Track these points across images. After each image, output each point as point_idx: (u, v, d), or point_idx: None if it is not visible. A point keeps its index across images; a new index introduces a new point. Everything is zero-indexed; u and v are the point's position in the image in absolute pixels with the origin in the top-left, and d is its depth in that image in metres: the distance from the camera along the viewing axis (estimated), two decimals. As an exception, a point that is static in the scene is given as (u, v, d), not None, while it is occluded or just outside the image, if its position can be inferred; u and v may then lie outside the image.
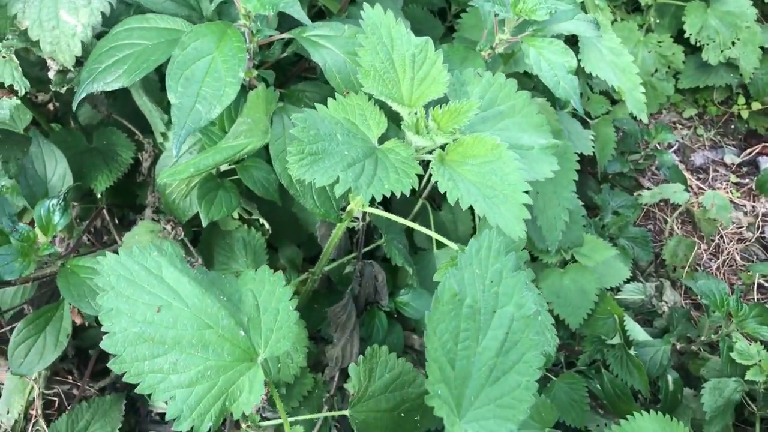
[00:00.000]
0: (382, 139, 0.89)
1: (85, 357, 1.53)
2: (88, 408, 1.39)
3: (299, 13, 0.87)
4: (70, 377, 1.49)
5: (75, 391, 1.47)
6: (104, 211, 1.41)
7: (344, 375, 1.28)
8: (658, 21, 2.27)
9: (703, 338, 1.57)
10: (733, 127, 2.45)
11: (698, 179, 2.28)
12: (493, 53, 1.20)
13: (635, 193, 2.07)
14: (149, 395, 0.80)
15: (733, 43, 2.15)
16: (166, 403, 0.80)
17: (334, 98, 0.90)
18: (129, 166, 1.30)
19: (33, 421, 1.30)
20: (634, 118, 2.14)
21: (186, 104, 0.83)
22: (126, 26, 0.94)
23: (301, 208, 1.50)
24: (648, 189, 2.11)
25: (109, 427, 1.39)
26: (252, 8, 0.86)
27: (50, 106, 1.40)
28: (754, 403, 1.48)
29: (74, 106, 0.93)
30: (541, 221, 1.43)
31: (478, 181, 0.86)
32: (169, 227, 1.23)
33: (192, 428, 0.81)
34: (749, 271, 1.94)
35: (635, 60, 2.21)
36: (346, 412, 1.08)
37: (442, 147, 0.89)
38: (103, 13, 0.96)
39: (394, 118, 0.93)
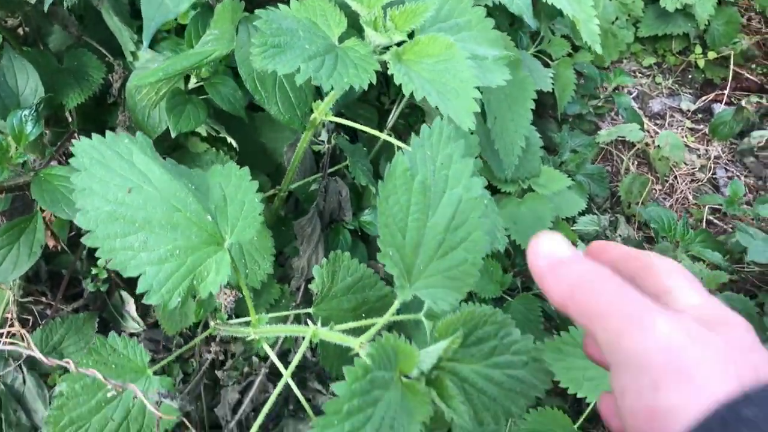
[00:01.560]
0: (341, 39, 0.94)
1: (58, 281, 1.57)
2: (62, 324, 1.44)
3: None
4: (44, 298, 1.53)
5: (48, 311, 1.51)
6: (75, 134, 1.44)
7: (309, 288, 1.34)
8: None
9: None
10: (690, 76, 2.54)
11: (656, 125, 2.37)
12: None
13: (593, 135, 2.15)
14: (121, 271, 0.85)
15: (690, -9, 2.23)
16: (137, 278, 0.86)
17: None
18: (100, 86, 1.34)
19: (9, 323, 1.34)
20: (598, 67, 2.22)
21: (151, 13, 0.87)
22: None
23: (270, 138, 1.55)
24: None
25: (82, 342, 1.44)
26: None
27: (20, 30, 1.43)
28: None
29: (45, 7, 0.97)
30: (499, 145, 1.49)
31: (432, 78, 0.92)
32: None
33: (162, 302, 0.86)
34: (699, 206, 2.03)
35: (596, 8, 2.28)
36: (310, 310, 1.14)
37: (399, 46, 0.94)
38: None
39: (353, 23, 0.98)
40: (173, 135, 1.18)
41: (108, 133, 0.87)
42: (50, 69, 1.33)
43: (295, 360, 0.90)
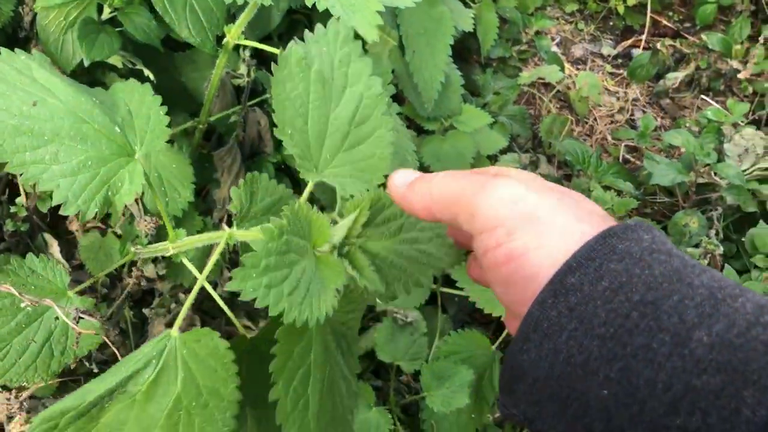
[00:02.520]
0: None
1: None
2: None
3: None
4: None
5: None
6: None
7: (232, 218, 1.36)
8: None
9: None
10: (611, 23, 2.62)
11: (577, 69, 2.44)
12: None
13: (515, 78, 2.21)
14: (33, 185, 0.86)
15: (608, -63, 2.29)
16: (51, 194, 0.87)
17: None
18: (10, 19, 1.31)
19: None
20: (522, 13, 2.26)
21: None
22: None
23: (191, 78, 1.55)
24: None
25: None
26: None
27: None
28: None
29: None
30: (417, 79, 1.53)
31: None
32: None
33: (79, 213, 0.87)
34: (617, 145, 2.12)
35: (520, -46, 2.33)
36: (228, 231, 1.16)
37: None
38: None
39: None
40: (86, 63, 1.18)
41: (3, 49, 0.87)
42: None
43: (211, 262, 0.92)
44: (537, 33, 2.22)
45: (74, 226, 1.54)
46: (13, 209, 1.41)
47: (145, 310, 1.50)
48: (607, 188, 1.66)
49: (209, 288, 0.94)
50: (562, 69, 2.20)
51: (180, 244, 1.00)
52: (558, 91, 2.22)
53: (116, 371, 0.82)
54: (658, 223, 1.79)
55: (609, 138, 2.23)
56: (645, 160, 1.60)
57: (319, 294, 0.71)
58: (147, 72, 1.35)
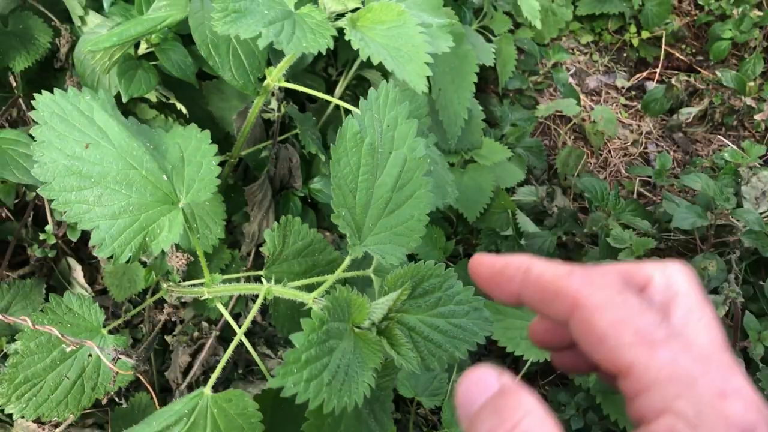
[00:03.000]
0: (297, 6, 0.97)
1: (2, 248, 1.56)
2: (8, 290, 1.43)
3: None
4: (-12, 265, 1.51)
5: (-7, 278, 1.50)
6: (20, 100, 1.43)
7: (260, 253, 1.37)
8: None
9: (586, 231, 1.75)
10: (625, 55, 2.64)
11: (592, 101, 2.46)
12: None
13: (532, 110, 2.23)
14: (75, 224, 0.87)
15: (626, -27, 2.32)
16: (87, 239, 0.88)
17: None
18: (46, 51, 1.33)
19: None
20: (538, 44, 2.29)
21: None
22: None
23: (218, 107, 1.56)
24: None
25: (30, 308, 1.44)
26: None
27: (-40, -9, 1.40)
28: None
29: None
30: (443, 116, 1.54)
31: (386, 43, 0.96)
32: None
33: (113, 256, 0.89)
34: (631, 178, 2.14)
35: (537, -14, 2.35)
36: (261, 273, 1.17)
37: (353, 12, 0.98)
38: None
39: (307, -9, 1.01)
40: (124, 100, 1.19)
41: (70, 88, 0.89)
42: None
43: (249, 317, 0.93)
44: (554, 65, 2.24)
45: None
46: (42, 236, 1.42)
47: (168, 338, 1.51)
48: (624, 226, 1.67)
49: (248, 344, 0.96)
50: (578, 101, 2.22)
51: (216, 289, 1.01)
52: (574, 123, 2.24)
53: (148, 425, 0.83)
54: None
55: (623, 171, 2.25)
56: (664, 201, 1.62)
57: (358, 376, 0.73)
58: (179, 106, 1.36)
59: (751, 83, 2.29)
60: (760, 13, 2.40)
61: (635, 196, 2.12)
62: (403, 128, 0.89)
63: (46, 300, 1.50)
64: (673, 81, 2.34)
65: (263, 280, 1.00)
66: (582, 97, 2.43)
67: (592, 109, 2.40)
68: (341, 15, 0.98)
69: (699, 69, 2.59)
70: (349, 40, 0.93)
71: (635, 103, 2.48)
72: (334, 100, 1.12)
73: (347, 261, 0.85)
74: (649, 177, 2.05)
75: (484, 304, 0.98)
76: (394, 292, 0.77)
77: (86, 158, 0.86)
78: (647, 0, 2.52)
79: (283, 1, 0.96)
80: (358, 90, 1.82)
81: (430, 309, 0.82)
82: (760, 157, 1.78)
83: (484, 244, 1.76)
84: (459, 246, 1.79)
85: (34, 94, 0.87)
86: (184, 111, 1.38)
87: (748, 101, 2.26)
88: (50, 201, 0.86)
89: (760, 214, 1.59)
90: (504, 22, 2.10)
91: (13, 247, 1.50)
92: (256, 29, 0.87)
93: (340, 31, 0.97)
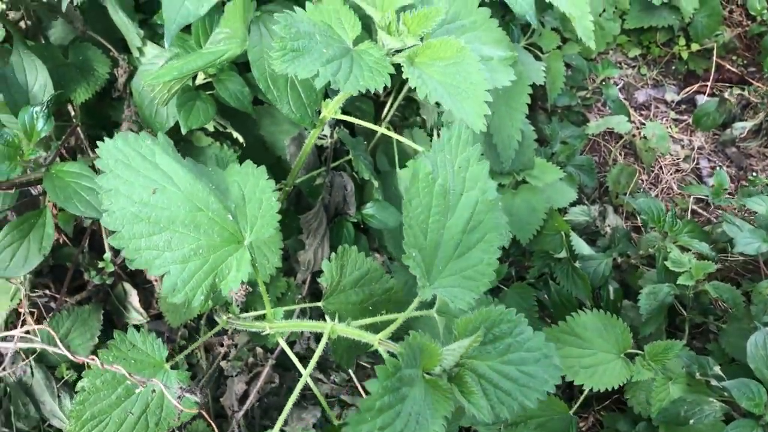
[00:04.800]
0: (356, 42, 0.97)
1: (60, 273, 1.59)
2: (68, 316, 1.46)
3: None
4: (48, 291, 1.54)
5: (53, 304, 1.52)
6: (78, 128, 1.45)
7: (315, 280, 1.37)
8: (606, -38, 2.37)
9: (641, 252, 1.71)
10: (674, 67, 2.59)
11: (641, 115, 2.42)
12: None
13: (582, 126, 2.20)
14: (147, 269, 0.88)
15: (675, -14, 2.27)
16: (161, 277, 0.89)
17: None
18: (105, 81, 1.35)
19: (21, 318, 1.36)
20: (585, 58, 2.26)
21: (176, 1, 0.89)
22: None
23: (269, 131, 1.57)
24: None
25: (88, 334, 1.46)
26: None
27: (22, 23, 1.43)
28: (685, 309, 1.63)
29: (63, 7, 0.98)
30: (497, 140, 1.53)
31: (444, 80, 0.95)
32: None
33: (185, 300, 0.89)
34: (684, 196, 2.10)
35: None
36: (320, 304, 1.17)
37: (411, 48, 0.97)
38: None
39: (366, 27, 1.01)
40: (184, 132, 1.20)
41: (131, 134, 0.90)
42: (56, 63, 1.33)
43: (315, 358, 0.93)
44: (603, 81, 2.21)
45: (154, 277, 1.56)
46: (101, 264, 1.44)
47: (223, 363, 1.52)
48: (682, 248, 1.64)
49: (311, 383, 0.96)
50: (629, 117, 2.19)
51: (279, 325, 1.01)
52: (624, 139, 2.21)
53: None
54: (732, 281, 1.76)
55: (675, 187, 2.21)
56: (724, 223, 1.58)
57: (429, 424, 0.72)
58: (236, 134, 1.37)
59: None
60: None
61: (689, 214, 2.07)
62: (475, 170, 0.88)
63: (104, 326, 1.52)
64: (725, 95, 2.29)
65: (325, 314, 1.00)
66: (631, 111, 2.39)
67: (643, 125, 2.36)
68: (399, 50, 0.98)
69: (752, 81, 2.53)
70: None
71: (686, 117, 2.43)
72: (382, 130, 1.12)
73: (415, 303, 0.85)
74: (706, 196, 2.00)
75: (543, 332, 0.97)
76: (465, 339, 0.76)
77: (154, 203, 0.87)
78: (697, 11, 2.46)
79: (342, 38, 0.96)
80: (406, 111, 1.81)
81: (500, 356, 0.81)
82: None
83: (537, 267, 1.74)
84: (511, 268, 1.77)
85: (98, 143, 0.88)
86: (241, 140, 1.39)
87: (806, 114, 2.21)
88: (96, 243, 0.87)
89: (826, 236, 1.55)
90: (552, 39, 2.08)
91: (71, 273, 1.52)
92: (314, 69, 0.87)
93: (398, 66, 0.97)
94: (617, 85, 2.48)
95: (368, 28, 1.01)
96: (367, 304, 1.21)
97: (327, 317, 1.02)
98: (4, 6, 1.09)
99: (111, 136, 1.41)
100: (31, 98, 1.22)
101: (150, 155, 0.90)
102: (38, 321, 1.52)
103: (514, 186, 1.75)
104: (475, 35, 1.14)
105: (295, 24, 0.91)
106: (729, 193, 2.21)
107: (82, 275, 1.57)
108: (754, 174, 2.16)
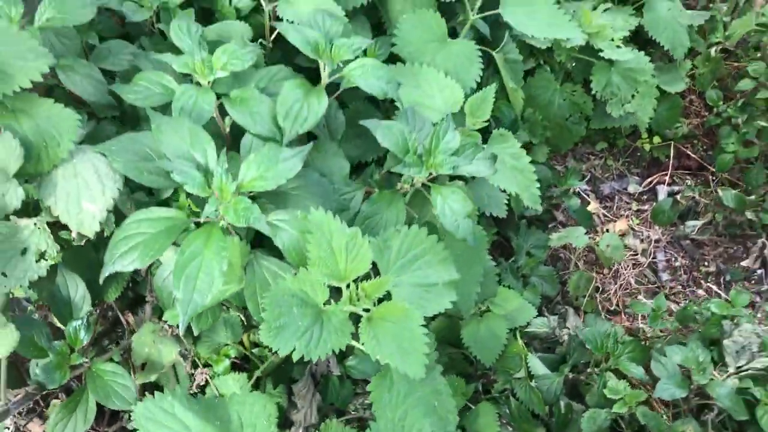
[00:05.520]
0: (326, 303, 1.26)
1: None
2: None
3: (263, 227, 1.22)
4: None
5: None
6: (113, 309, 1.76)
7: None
8: (572, 68, 2.61)
9: (588, 371, 2.00)
10: (639, 154, 2.85)
11: (605, 207, 2.69)
12: (412, 189, 1.56)
13: (546, 232, 2.47)
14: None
15: (633, 96, 2.52)
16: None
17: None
18: (129, 275, 1.65)
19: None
20: (549, 168, 2.53)
21: (187, 297, 1.18)
22: (135, 218, 1.27)
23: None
24: (559, 227, 2.53)
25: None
26: (231, 221, 1.21)
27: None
28: (624, 427, 1.92)
29: (101, 280, 1.27)
30: (459, 293, 1.81)
31: (395, 333, 1.24)
32: (166, 326, 1.60)
33: None
34: (638, 289, 2.38)
35: (552, 106, 2.60)
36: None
37: (370, 308, 1.26)
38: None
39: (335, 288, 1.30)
40: (195, 333, 1.51)
41: (157, 394, 1.20)
42: (90, 261, 1.63)
43: None
44: (566, 191, 2.48)
45: None
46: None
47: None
48: (621, 374, 1.92)
49: None
50: (591, 221, 2.47)
51: None
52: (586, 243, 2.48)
53: None
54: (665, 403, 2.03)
55: (633, 282, 2.49)
56: (652, 362, 1.85)
57: None
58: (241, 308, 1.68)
59: (751, 197, 2.49)
60: (764, 124, 2.58)
61: (639, 317, 2.35)
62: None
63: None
64: (678, 197, 2.56)
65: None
66: (596, 204, 2.66)
67: (605, 216, 2.64)
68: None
69: (709, 167, 2.79)
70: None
71: (647, 208, 2.70)
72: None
73: None
74: (645, 315, 2.26)
75: None
76: None
77: (176, 449, 1.18)
78: (658, 105, 2.71)
79: (315, 301, 1.25)
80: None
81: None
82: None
83: (500, 382, 2.03)
84: (479, 382, 2.07)
85: (133, 408, 1.18)
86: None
87: (749, 215, 2.46)
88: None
89: (739, 368, 1.83)
90: (518, 159, 2.34)
91: (109, 414, 1.85)
92: (291, 344, 1.17)
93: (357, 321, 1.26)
94: (585, 177, 2.74)
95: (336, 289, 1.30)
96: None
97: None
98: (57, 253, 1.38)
99: (138, 309, 1.73)
100: (74, 308, 1.52)
101: (170, 408, 1.20)
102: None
103: (479, 314, 2.03)
104: (424, 261, 1.42)
105: (278, 302, 1.20)
106: (682, 286, 2.49)
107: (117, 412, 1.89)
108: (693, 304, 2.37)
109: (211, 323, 1.52)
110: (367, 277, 1.28)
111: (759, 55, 2.72)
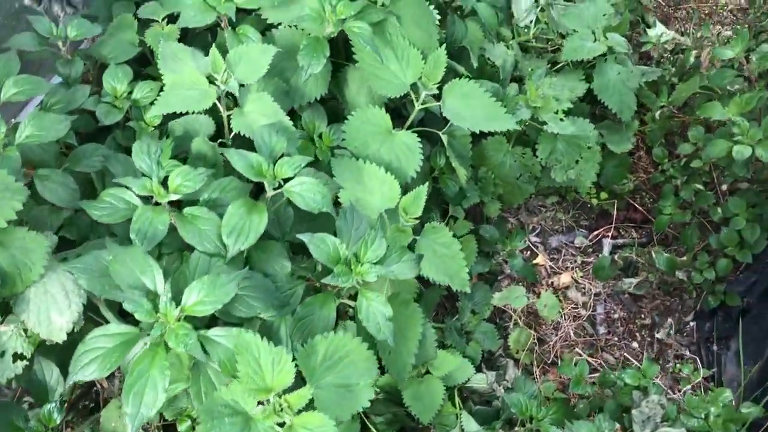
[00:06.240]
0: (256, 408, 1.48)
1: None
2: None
3: (198, 352, 1.44)
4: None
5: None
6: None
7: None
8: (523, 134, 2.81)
9: (517, 429, 2.23)
10: (588, 206, 3.05)
11: (552, 260, 2.90)
12: (344, 289, 1.78)
13: (495, 284, 2.69)
14: None
15: (577, 162, 2.72)
16: None
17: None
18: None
19: None
20: (498, 226, 2.73)
21: (135, 412, 1.40)
22: (94, 334, 1.49)
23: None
24: (507, 279, 2.75)
25: None
26: (172, 345, 1.43)
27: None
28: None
29: (66, 387, 1.50)
30: (394, 362, 2.03)
31: (312, 438, 1.47)
32: (130, 403, 1.82)
33: None
34: (578, 343, 2.61)
35: (504, 166, 2.80)
36: None
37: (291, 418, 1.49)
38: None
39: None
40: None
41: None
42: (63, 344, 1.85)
43: None
44: (510, 253, 2.69)
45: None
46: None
47: None
48: (544, 434, 2.15)
49: None
50: (536, 275, 2.69)
51: None
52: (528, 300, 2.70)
53: None
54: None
55: (572, 334, 2.71)
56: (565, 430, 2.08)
57: None
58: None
59: (683, 258, 2.70)
60: (701, 187, 2.78)
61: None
62: None
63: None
64: (615, 258, 2.77)
65: None
66: (544, 256, 2.88)
67: (552, 269, 2.86)
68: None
69: (653, 219, 2.98)
70: None
71: (592, 259, 2.91)
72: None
73: None
74: (569, 378, 2.48)
75: None
76: None
77: None
78: (606, 163, 2.91)
79: (246, 411, 1.47)
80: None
81: None
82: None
83: (437, 438, 2.27)
84: (420, 438, 2.31)
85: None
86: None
87: (680, 275, 2.67)
88: None
89: (644, 436, 2.05)
90: (465, 227, 2.56)
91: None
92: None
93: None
94: (534, 230, 2.95)
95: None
96: None
97: None
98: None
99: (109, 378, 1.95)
100: (49, 389, 1.75)
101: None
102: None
103: (420, 376, 2.26)
104: (348, 361, 1.64)
105: (211, 411, 1.43)
106: (617, 338, 2.72)
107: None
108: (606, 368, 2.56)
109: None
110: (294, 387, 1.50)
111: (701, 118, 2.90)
